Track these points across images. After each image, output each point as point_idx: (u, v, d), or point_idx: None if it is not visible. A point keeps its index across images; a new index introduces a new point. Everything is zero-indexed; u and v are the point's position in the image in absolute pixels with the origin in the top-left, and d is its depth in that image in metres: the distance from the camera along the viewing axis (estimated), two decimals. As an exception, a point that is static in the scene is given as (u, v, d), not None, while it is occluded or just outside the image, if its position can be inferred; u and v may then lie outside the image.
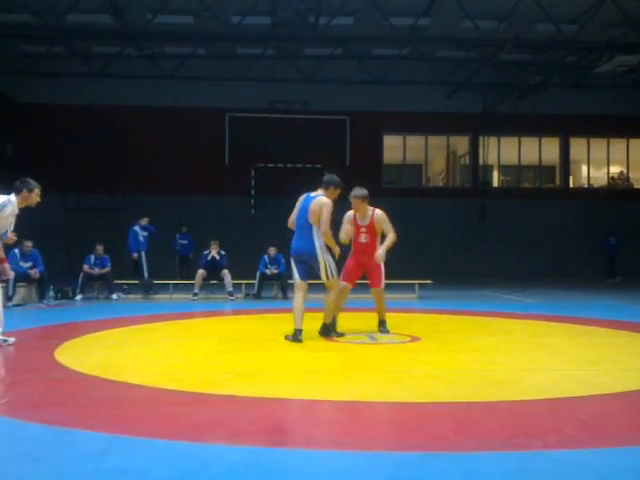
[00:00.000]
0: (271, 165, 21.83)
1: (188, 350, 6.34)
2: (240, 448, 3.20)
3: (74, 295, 12.46)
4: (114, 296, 12.52)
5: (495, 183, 25.04)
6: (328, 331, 7.04)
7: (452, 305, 11.73)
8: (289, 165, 21.83)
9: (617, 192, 24.19)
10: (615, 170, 25.11)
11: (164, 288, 13.64)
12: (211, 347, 6.59)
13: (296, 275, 6.99)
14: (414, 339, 7.05)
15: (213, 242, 13.40)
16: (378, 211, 7.45)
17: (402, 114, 22.43)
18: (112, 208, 21.13)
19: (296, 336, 6.73)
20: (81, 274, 12.63)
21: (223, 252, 13.47)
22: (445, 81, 21.19)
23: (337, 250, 6.95)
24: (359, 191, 7.39)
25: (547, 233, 22.25)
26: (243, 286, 13.82)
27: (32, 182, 6.74)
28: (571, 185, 24.77)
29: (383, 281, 7.43)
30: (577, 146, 24.28)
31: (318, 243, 6.81)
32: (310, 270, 6.97)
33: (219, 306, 11.97)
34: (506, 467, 2.95)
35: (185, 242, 17.45)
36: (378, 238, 7.45)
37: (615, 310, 10.76)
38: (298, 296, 6.93)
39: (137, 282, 13.75)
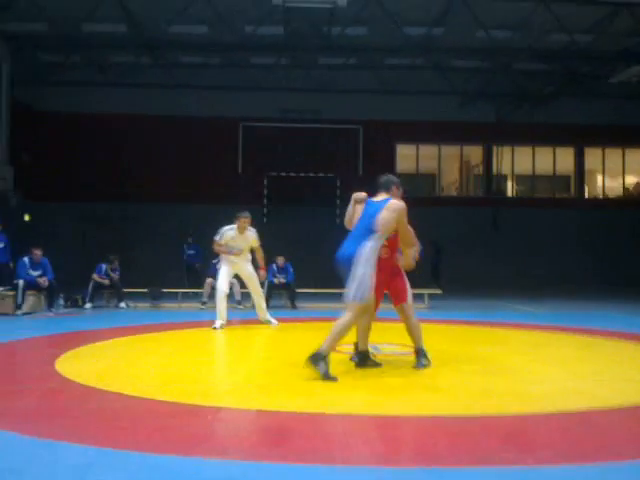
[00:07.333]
0: (284, 174, 21.88)
1: (190, 360, 6.29)
2: (223, 462, 3.17)
3: (84, 303, 12.51)
4: (122, 304, 12.56)
5: (509, 193, 24.91)
6: (317, 359, 5.15)
7: (461, 315, 11.63)
8: (302, 174, 21.88)
9: (632, 202, 23.93)
10: (631, 180, 24.88)
11: (172, 296, 13.66)
12: (214, 357, 6.56)
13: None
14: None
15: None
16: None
17: (415, 123, 22.42)
18: (127, 217, 21.28)
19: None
20: (91, 282, 12.69)
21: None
22: (458, 90, 21.16)
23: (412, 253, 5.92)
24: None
25: (562, 243, 22.05)
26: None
27: (239, 213, 9.29)
28: (586, 195, 24.57)
29: (409, 294, 6.02)
30: (592, 156, 24.10)
31: (368, 251, 5.42)
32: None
33: (227, 315, 11.91)
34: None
35: (192, 252, 17.44)
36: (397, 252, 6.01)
37: (621, 321, 10.62)
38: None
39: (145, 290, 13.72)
